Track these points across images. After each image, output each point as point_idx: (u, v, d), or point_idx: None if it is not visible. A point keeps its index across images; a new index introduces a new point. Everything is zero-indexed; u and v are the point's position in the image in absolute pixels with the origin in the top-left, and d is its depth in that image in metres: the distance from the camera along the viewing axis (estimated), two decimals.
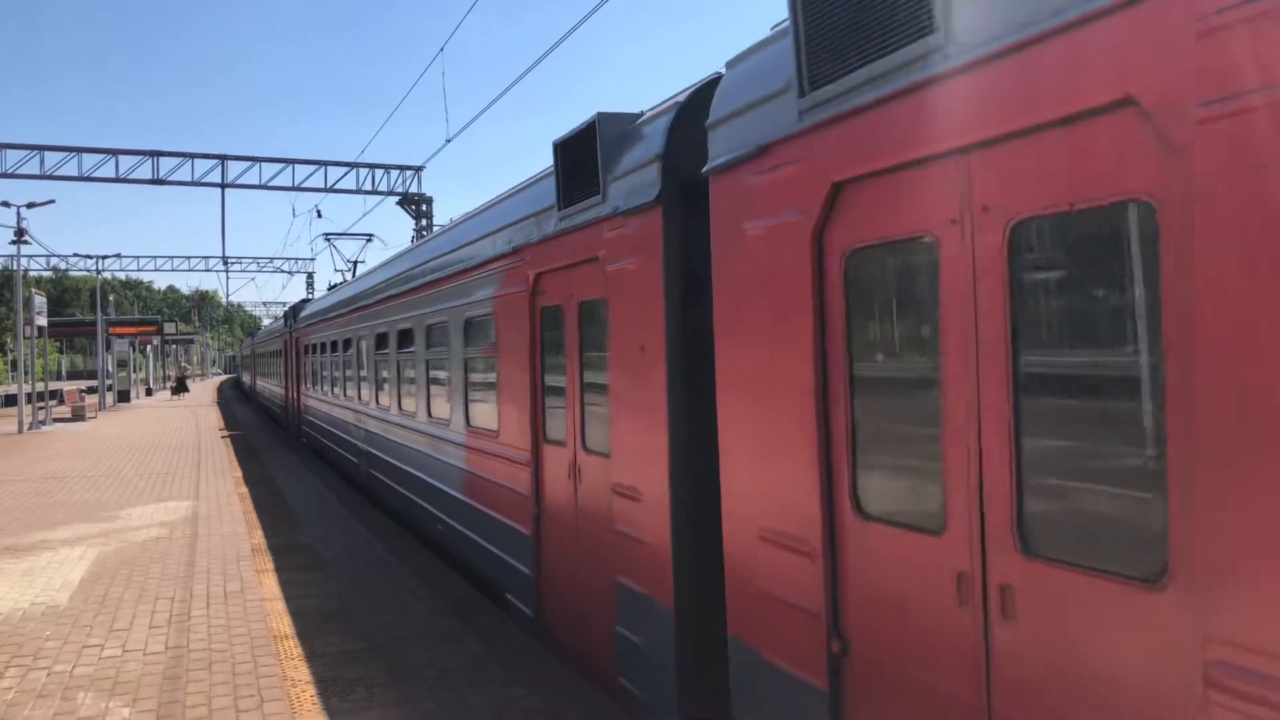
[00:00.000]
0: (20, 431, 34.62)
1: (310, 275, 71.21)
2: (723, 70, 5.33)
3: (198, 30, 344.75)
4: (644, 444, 5.96)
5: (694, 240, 5.48)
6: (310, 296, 56.89)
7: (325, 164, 42.73)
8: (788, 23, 4.38)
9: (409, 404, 13.08)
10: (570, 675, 7.16)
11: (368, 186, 42.66)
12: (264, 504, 15.98)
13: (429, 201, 42.44)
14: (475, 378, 9.93)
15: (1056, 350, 3.21)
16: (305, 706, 6.66)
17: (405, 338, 13.33)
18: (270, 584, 10.22)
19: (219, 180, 41.75)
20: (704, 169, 5.14)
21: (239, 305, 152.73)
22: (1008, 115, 3.17)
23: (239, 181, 42.20)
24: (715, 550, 5.18)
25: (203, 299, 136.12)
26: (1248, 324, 2.48)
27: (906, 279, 3.84)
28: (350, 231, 37.05)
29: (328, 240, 36.80)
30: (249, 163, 42.22)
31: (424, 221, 41.85)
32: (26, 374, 38.23)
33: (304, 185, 42.64)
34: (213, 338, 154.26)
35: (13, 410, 40.16)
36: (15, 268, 37.56)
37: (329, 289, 30.47)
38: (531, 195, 8.37)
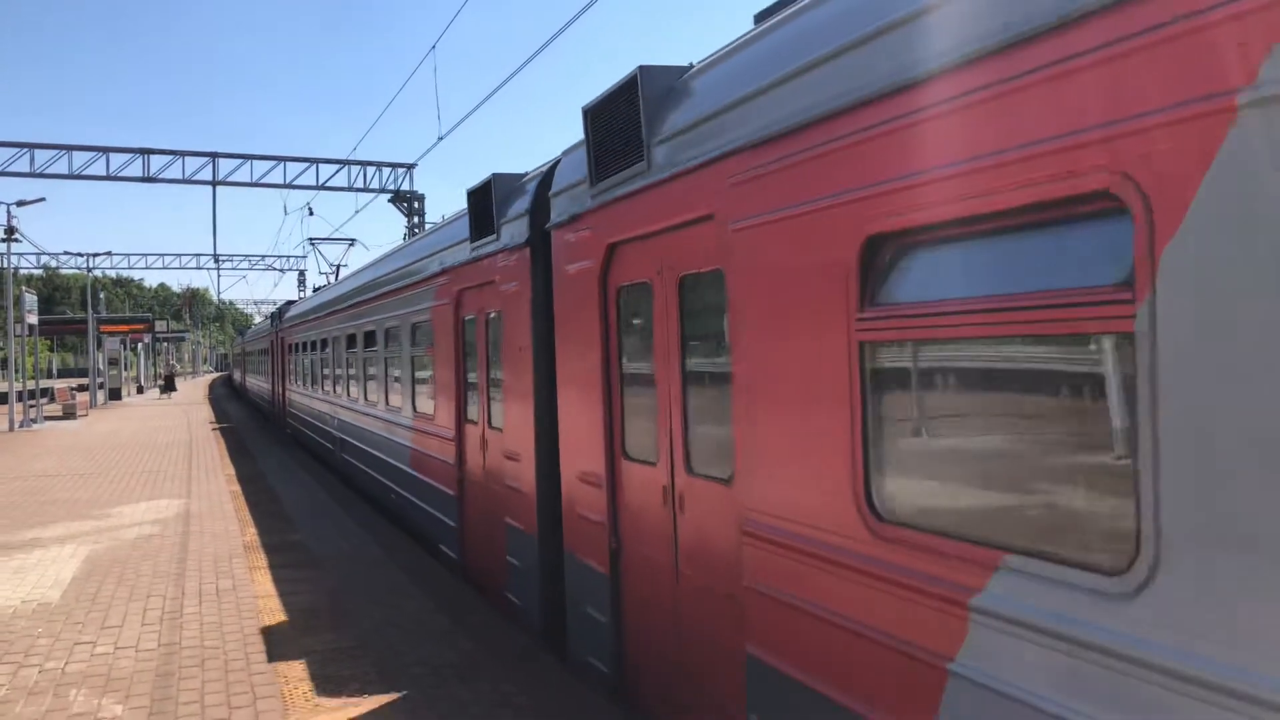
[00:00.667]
0: (11, 430, 34.55)
1: (302, 273, 70.98)
2: (561, 156, 7.62)
3: (188, 27, 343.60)
4: (521, 420, 8.20)
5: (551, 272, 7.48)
6: (301, 295, 56.82)
7: (317, 161, 42.64)
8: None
9: (372, 395, 15.62)
10: (563, 673, 7.21)
11: (359, 184, 42.56)
12: (255, 501, 15.99)
13: (421, 199, 42.37)
14: (419, 373, 12.29)
15: (701, 355, 5.42)
16: (298, 704, 6.70)
17: (369, 339, 15.78)
18: (262, 581, 10.24)
19: (210, 178, 41.64)
20: (547, 225, 7.40)
21: (231, 303, 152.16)
22: (671, 215, 5.42)
23: (230, 179, 42.09)
24: (559, 492, 7.38)
25: (194, 297, 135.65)
26: (746, 339, 4.65)
27: (643, 308, 6.00)
28: (335, 236, 37.83)
29: (312, 244, 37.95)
30: (240, 160, 42.10)
31: (416, 219, 41.80)
32: (17, 372, 38.13)
33: (296, 183, 42.52)
34: (204, 335, 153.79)
35: (3, 409, 40.03)
36: (5, 265, 37.47)
37: (314, 291, 31.31)
38: (455, 228, 10.65)
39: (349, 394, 17.85)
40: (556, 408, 7.33)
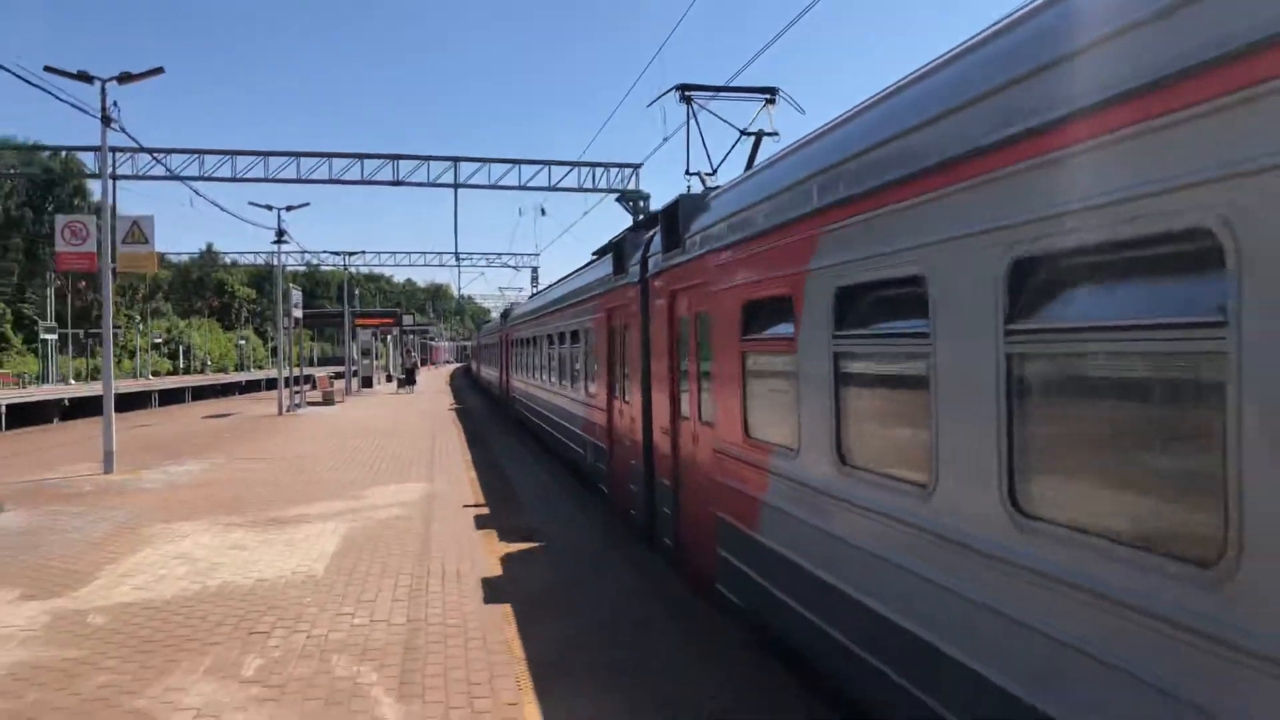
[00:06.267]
0: (280, 414, 38.17)
1: (535, 270, 74.26)
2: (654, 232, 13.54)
3: (431, 40, 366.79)
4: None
5: None
6: (534, 290, 59.93)
7: (549, 164, 44.48)
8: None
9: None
10: (788, 676, 7.21)
11: (588, 184, 44.02)
12: (492, 488, 16.93)
13: (646, 198, 43.27)
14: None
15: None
16: (530, 685, 7.05)
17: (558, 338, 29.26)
18: (498, 565, 10.83)
19: (452, 181, 44.29)
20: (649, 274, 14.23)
21: (469, 297, 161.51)
22: (694, 277, 10.82)
23: (470, 182, 44.59)
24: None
25: (437, 292, 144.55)
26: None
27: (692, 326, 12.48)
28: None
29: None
30: (479, 164, 44.53)
31: (641, 217, 42.73)
32: (285, 361, 42.01)
33: (529, 184, 44.55)
34: (446, 327, 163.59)
35: (274, 393, 44.26)
36: (276, 264, 41.39)
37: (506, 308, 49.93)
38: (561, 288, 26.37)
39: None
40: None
